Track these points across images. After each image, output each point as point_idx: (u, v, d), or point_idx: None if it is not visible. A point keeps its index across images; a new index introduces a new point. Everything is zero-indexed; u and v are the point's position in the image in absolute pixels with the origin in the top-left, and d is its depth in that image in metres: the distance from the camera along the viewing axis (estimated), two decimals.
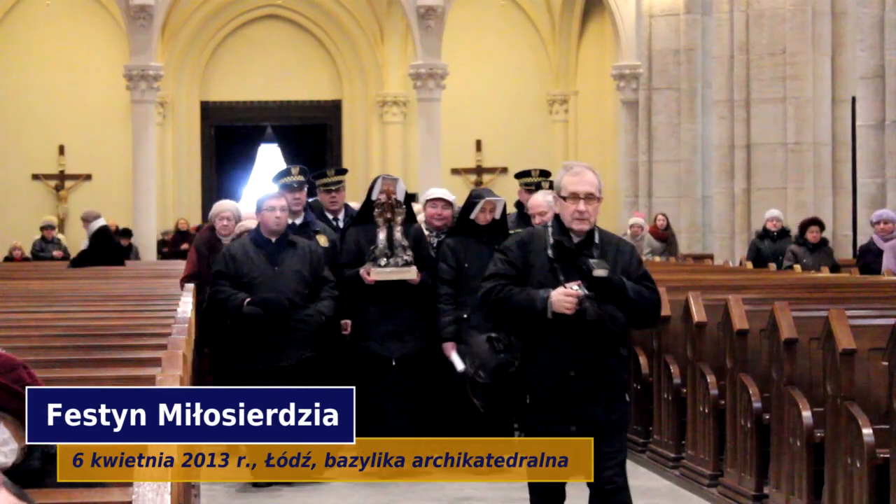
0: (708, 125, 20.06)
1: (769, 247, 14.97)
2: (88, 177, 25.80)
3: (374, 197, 8.52)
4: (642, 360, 9.24)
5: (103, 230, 14.22)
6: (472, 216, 8.44)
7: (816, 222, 14.36)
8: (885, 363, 6.16)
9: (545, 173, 9.90)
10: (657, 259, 17.19)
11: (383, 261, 8.34)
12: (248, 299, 8.02)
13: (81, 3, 25.84)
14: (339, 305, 8.30)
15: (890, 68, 14.54)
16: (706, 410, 8.13)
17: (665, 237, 18.85)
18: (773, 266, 13.78)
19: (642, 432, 9.22)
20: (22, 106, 25.25)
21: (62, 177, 25.81)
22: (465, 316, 8.29)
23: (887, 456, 6.08)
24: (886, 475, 6.08)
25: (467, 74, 24.86)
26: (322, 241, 8.77)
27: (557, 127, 27.01)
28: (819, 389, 6.78)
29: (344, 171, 9.71)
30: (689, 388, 8.42)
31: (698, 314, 8.24)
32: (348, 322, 8.53)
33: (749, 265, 14.08)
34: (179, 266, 13.38)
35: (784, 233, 15.04)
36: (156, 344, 5.75)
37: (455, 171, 25.99)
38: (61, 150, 25.78)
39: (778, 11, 17.11)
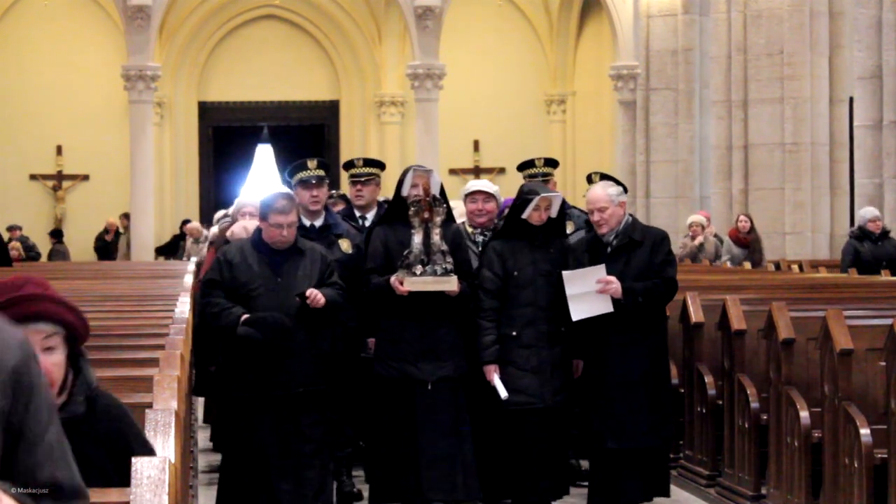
0: (706, 125, 20.07)
1: (870, 250, 13.21)
2: (86, 177, 25.80)
3: (404, 192, 7.23)
4: None
5: None
6: (525, 215, 7.16)
7: None
8: (883, 363, 6.16)
9: (551, 162, 8.81)
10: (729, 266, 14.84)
11: (419, 268, 7.02)
12: (244, 316, 6.84)
13: (79, 3, 25.83)
14: (343, 302, 7.07)
15: (887, 69, 14.55)
16: (704, 411, 8.14)
17: (747, 242, 15.82)
18: (852, 271, 12.21)
19: None
20: (19, 106, 25.25)
21: (60, 177, 25.80)
22: (514, 333, 7.08)
23: (885, 456, 6.09)
24: (884, 475, 6.09)
25: (465, 75, 24.86)
26: (344, 246, 7.72)
27: (555, 127, 27.01)
28: (817, 390, 6.79)
29: (378, 164, 8.43)
30: (687, 388, 8.42)
31: (696, 314, 8.25)
32: (373, 340, 7.38)
33: (854, 272, 12.37)
34: (176, 267, 13.36)
35: (885, 233, 13.43)
36: (153, 344, 5.75)
37: (453, 172, 25.99)
38: (59, 150, 25.76)
39: (775, 12, 17.12)
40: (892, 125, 14.62)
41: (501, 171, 26.16)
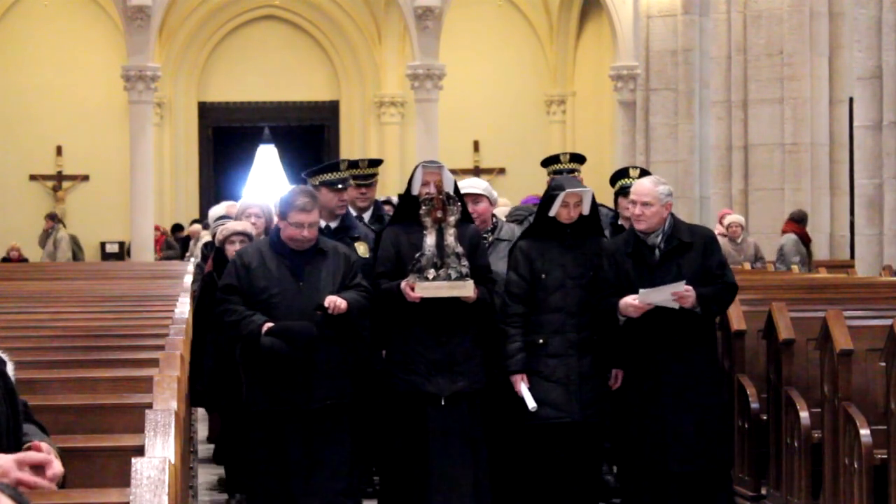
0: (705, 126, 20.06)
1: None
2: (86, 177, 25.80)
3: (415, 190, 6.75)
4: None
5: None
6: (552, 213, 6.57)
7: None
8: (883, 364, 6.16)
9: (578, 157, 8.30)
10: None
11: (431, 272, 6.43)
12: (266, 324, 6.34)
13: (79, 3, 25.83)
14: (369, 305, 6.61)
15: (887, 69, 14.53)
16: None
17: (809, 241, 14.67)
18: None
19: None
20: (19, 106, 25.24)
21: (60, 177, 25.80)
22: (541, 341, 6.52)
23: (885, 456, 6.09)
24: (885, 476, 6.08)
25: (465, 75, 24.86)
26: (361, 249, 7.21)
27: (555, 128, 27.01)
28: (817, 390, 6.79)
29: (379, 163, 8.08)
30: None
31: None
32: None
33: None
34: (176, 267, 13.36)
35: None
36: (153, 345, 5.75)
37: (453, 172, 25.93)
38: (59, 150, 25.76)
39: (775, 12, 17.13)
40: (892, 125, 14.60)
41: (501, 171, 26.18)
